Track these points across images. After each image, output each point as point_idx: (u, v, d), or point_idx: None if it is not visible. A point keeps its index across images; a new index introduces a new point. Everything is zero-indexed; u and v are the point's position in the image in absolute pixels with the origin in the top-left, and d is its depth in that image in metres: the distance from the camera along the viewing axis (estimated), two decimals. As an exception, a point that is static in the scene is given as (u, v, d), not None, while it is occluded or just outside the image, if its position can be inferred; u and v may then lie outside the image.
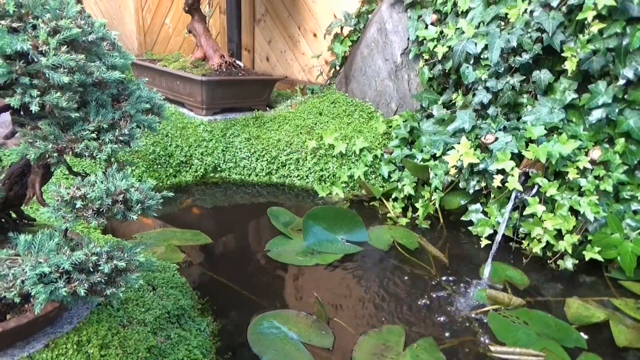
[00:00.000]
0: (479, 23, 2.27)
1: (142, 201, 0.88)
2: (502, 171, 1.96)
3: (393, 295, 1.71)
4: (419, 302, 1.68)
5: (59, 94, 0.84)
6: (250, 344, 1.42)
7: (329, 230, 2.08)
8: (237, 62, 3.21)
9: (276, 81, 3.27)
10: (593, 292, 1.83)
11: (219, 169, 2.75)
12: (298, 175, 2.69)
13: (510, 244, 2.08)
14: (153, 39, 4.88)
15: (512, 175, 1.89)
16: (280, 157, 2.72)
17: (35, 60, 0.84)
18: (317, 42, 3.58)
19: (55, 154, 0.85)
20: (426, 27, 2.64)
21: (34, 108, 0.81)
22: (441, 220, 2.28)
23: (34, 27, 0.87)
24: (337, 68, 3.28)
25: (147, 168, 2.55)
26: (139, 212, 0.88)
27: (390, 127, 2.72)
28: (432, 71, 2.61)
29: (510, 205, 1.88)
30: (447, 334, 1.51)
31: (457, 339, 1.49)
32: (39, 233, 0.86)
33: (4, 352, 1.02)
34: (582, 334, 1.55)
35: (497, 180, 1.94)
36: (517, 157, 2.02)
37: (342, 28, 3.17)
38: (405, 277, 1.82)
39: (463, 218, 2.22)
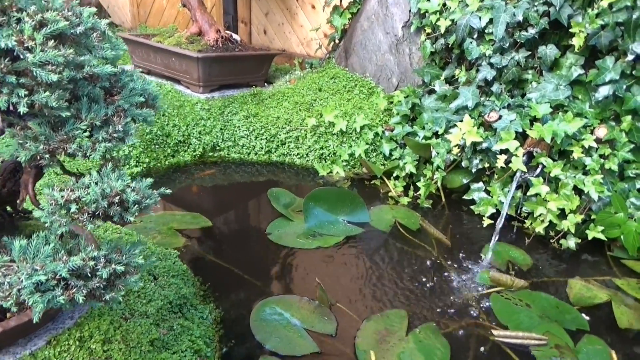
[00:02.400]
0: (484, -5, 2.19)
1: (139, 202, 0.85)
2: (505, 151, 1.93)
3: (395, 278, 1.71)
4: (422, 286, 1.67)
5: (47, 92, 0.80)
6: (252, 331, 1.42)
7: (330, 211, 2.06)
8: (234, 36, 3.12)
9: (274, 56, 3.20)
10: (596, 271, 1.82)
11: (217, 147, 2.71)
12: (298, 154, 2.65)
13: (513, 222, 2.07)
14: (147, 11, 4.75)
15: (516, 156, 1.85)
16: (280, 135, 2.68)
17: (22, 57, 0.80)
18: (315, 14, 3.47)
19: (47, 155, 0.82)
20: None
21: (22, 109, 0.77)
22: (443, 199, 2.26)
23: (19, 20, 0.83)
24: (337, 41, 3.20)
25: (145, 148, 2.51)
26: (136, 213, 0.85)
27: (392, 102, 2.67)
28: (434, 45, 2.53)
29: (514, 186, 1.86)
30: (450, 318, 1.52)
31: (460, 323, 1.50)
32: (35, 236, 0.83)
33: (6, 350, 1.02)
34: (584, 315, 1.55)
35: (500, 161, 1.91)
36: (522, 136, 1.98)
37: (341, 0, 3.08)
38: (407, 260, 1.81)
39: (465, 197, 2.20)
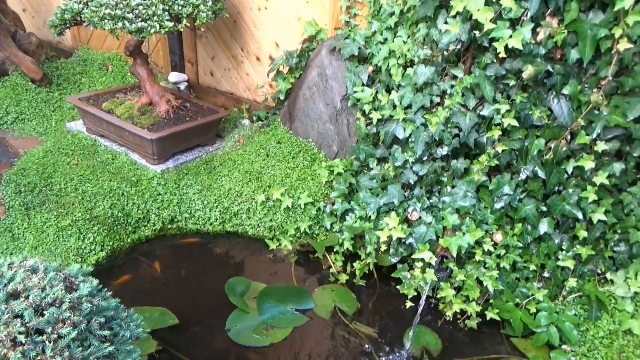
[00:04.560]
0: (409, 105, 2.51)
1: None
2: (422, 260, 2.34)
3: (334, 374, 2.13)
4: (354, 379, 2.11)
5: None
6: None
7: (281, 302, 2.44)
8: (184, 101, 3.29)
9: (223, 117, 3.40)
10: (491, 347, 2.32)
11: (175, 220, 2.97)
12: (250, 224, 2.96)
13: (431, 300, 2.52)
14: (88, 33, 4.69)
15: (430, 264, 2.27)
16: (232, 207, 2.97)
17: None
18: (261, 65, 3.66)
19: None
20: (363, 85, 2.84)
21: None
22: (375, 276, 2.68)
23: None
24: (282, 99, 3.43)
25: (108, 231, 2.74)
26: None
27: (332, 171, 3.00)
28: (368, 127, 2.85)
29: (427, 288, 2.29)
30: (374, 414, 1.97)
31: (382, 420, 1.95)
32: None
33: None
34: (475, 403, 2.04)
35: (417, 268, 2.33)
36: (437, 235, 2.40)
37: (283, 66, 3.28)
38: (343, 352, 2.23)
39: (394, 275, 2.62)
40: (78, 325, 1.19)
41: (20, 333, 1.11)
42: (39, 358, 1.12)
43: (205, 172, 3.12)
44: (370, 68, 2.87)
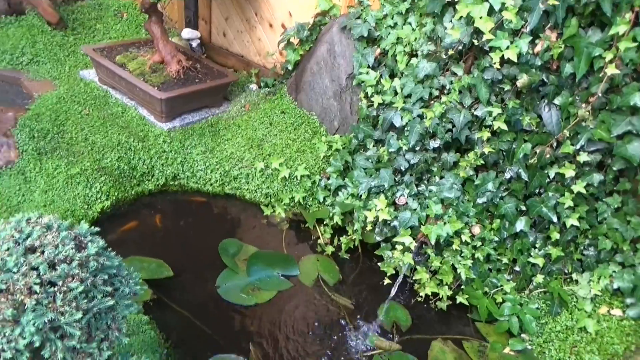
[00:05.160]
0: (409, 94, 2.61)
1: None
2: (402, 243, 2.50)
3: (309, 335, 2.34)
4: (327, 343, 2.32)
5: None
6: (202, 390, 2.04)
7: (268, 266, 2.63)
8: (195, 62, 3.37)
9: (232, 82, 3.49)
10: (457, 328, 2.52)
11: (178, 177, 3.13)
12: (248, 189, 3.12)
13: (408, 280, 2.71)
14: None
15: (410, 249, 2.44)
16: (233, 171, 3.12)
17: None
18: (273, 32, 3.71)
19: None
20: (369, 67, 2.93)
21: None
22: (360, 252, 2.86)
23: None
24: (290, 69, 3.51)
25: (114, 183, 2.91)
26: None
27: (331, 147, 3.13)
28: (369, 109, 2.96)
29: (404, 271, 2.48)
30: (341, 376, 2.19)
31: (347, 382, 2.18)
32: None
33: None
34: (433, 376, 2.26)
35: (398, 250, 2.50)
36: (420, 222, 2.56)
37: (294, 37, 3.34)
38: (321, 319, 2.44)
39: (377, 252, 2.80)
40: (85, 280, 1.37)
41: (35, 284, 1.28)
42: (50, 306, 1.30)
43: (210, 134, 3.25)
44: (378, 51, 2.94)
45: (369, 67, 2.93)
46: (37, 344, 1.26)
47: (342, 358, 2.28)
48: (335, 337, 2.36)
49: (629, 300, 2.35)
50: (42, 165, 2.80)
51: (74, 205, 2.71)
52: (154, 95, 3.02)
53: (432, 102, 2.53)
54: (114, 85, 3.36)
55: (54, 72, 3.70)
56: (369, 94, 2.88)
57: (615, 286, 2.38)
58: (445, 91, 2.49)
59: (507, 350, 2.40)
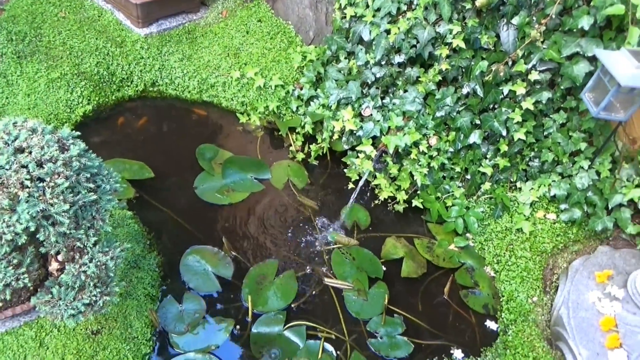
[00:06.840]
0: (378, 8, 2.67)
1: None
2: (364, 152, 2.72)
3: (277, 233, 2.64)
4: (294, 239, 2.63)
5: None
6: (181, 274, 2.35)
7: (242, 170, 2.86)
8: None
9: (208, -14, 3.46)
10: (410, 228, 2.83)
11: (156, 84, 3.24)
12: (224, 97, 3.25)
13: (370, 185, 2.97)
14: None
15: (370, 157, 2.66)
16: (210, 79, 3.23)
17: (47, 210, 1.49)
18: None
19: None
20: (344, -24, 2.94)
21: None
22: (328, 159, 3.09)
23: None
24: (268, -27, 3.47)
25: (94, 87, 3.02)
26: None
27: (305, 57, 3.22)
28: (342, 21, 3.01)
29: (365, 176, 2.72)
30: (303, 265, 2.52)
31: (309, 270, 2.50)
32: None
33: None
34: (384, 267, 2.60)
35: (361, 157, 2.72)
36: (382, 133, 2.76)
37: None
38: (288, 217, 2.73)
39: (344, 160, 3.03)
40: (69, 177, 1.57)
41: (26, 179, 1.49)
42: (41, 198, 1.52)
43: (187, 41, 3.31)
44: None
45: (344, -24, 2.94)
46: (32, 229, 1.50)
47: (305, 251, 2.60)
48: (300, 233, 2.66)
49: (562, 206, 2.63)
50: (23, 68, 2.88)
51: (57, 109, 2.84)
52: (129, 1, 3.03)
53: (400, 17, 2.60)
54: (89, -13, 3.33)
55: (27, -30, 3.61)
56: (343, 5, 2.93)
57: (552, 193, 2.66)
58: (413, 7, 2.56)
59: (452, 246, 2.73)
